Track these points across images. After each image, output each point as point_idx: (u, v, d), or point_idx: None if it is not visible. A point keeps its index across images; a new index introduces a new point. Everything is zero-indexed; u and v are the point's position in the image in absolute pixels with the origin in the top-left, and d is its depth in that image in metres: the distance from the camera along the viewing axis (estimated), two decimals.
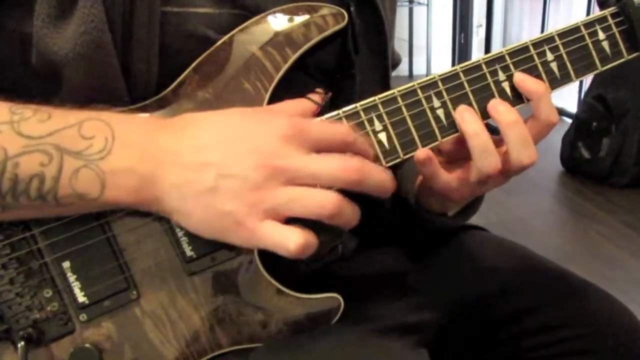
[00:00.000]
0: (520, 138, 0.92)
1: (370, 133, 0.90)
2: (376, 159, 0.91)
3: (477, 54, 7.36)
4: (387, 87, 0.97)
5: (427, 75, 0.92)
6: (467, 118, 0.92)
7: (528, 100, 0.95)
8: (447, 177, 0.96)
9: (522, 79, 0.94)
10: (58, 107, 0.81)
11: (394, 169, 0.92)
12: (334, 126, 0.87)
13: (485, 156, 0.91)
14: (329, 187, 0.81)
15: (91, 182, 0.79)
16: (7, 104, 0.80)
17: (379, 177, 0.84)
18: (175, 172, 0.80)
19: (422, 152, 0.93)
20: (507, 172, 0.95)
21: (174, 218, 0.83)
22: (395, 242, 1.23)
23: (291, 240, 0.79)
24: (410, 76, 7.48)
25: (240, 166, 0.79)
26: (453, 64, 1.07)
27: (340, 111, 0.90)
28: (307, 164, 0.80)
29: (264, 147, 0.80)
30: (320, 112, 0.91)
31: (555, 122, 0.95)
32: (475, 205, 1.12)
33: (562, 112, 5.57)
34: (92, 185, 0.79)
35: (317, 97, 0.92)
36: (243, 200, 0.79)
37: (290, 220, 0.81)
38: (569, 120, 4.81)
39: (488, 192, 1.03)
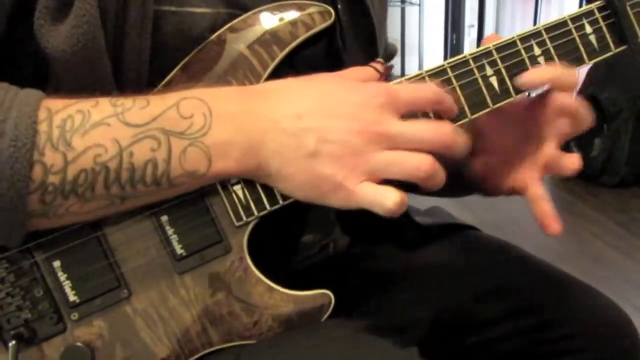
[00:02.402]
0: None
1: None
2: None
3: None
4: None
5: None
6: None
7: (516, 94, 0.95)
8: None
9: (530, 79, 0.95)
10: (151, 93, 0.83)
11: None
12: (421, 87, 0.90)
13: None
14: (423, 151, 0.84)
15: (199, 158, 0.81)
16: (106, 98, 0.81)
17: (463, 139, 0.87)
18: (276, 138, 0.82)
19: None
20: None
21: (274, 182, 0.85)
22: (387, 241, 1.24)
23: (390, 199, 0.82)
24: (403, 76, 7.45)
25: (340, 132, 0.82)
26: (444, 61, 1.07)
27: None
28: (405, 130, 0.84)
29: (362, 113, 0.83)
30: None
31: (578, 81, 0.98)
32: None
33: None
34: (200, 162, 0.81)
35: (379, 66, 0.94)
36: (344, 164, 0.82)
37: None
38: None
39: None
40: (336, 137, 0.82)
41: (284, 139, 0.82)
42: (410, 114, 0.87)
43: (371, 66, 0.93)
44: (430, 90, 0.89)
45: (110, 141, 0.78)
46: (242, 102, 0.84)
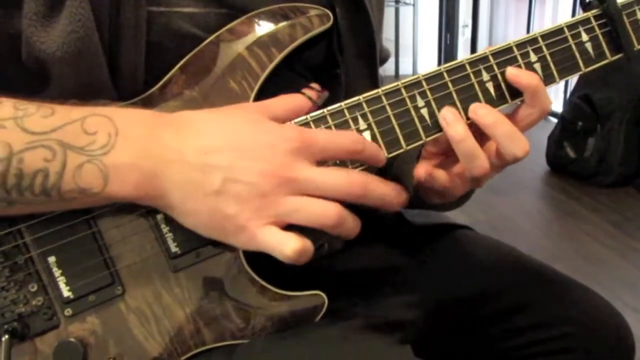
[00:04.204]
0: (507, 134, 0.92)
1: (355, 132, 0.91)
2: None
3: (463, 54, 7.33)
4: (376, 86, 0.98)
5: (413, 75, 0.93)
6: (451, 122, 0.93)
7: (512, 99, 0.96)
8: (445, 176, 0.97)
9: (516, 74, 0.94)
10: (62, 104, 0.82)
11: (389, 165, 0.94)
12: (341, 136, 0.88)
13: (472, 160, 0.92)
14: (332, 199, 0.83)
15: (94, 177, 0.79)
16: (12, 100, 0.80)
17: (382, 191, 0.87)
18: (180, 171, 0.81)
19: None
20: (503, 165, 0.96)
21: (174, 214, 0.84)
22: (382, 241, 1.24)
23: (289, 246, 0.81)
24: (397, 76, 7.49)
25: (249, 173, 0.81)
26: (439, 64, 1.08)
27: (324, 110, 0.90)
28: (314, 177, 0.83)
29: (273, 157, 0.81)
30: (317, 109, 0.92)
31: (550, 109, 0.97)
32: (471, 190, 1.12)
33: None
34: (95, 180, 0.80)
35: (312, 93, 0.92)
36: (248, 205, 0.80)
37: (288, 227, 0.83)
38: (555, 120, 4.82)
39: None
40: (243, 178, 0.81)
41: (189, 173, 0.81)
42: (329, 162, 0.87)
43: (303, 93, 0.92)
44: (350, 139, 0.87)
45: (2, 144, 0.77)
46: (151, 127, 0.83)
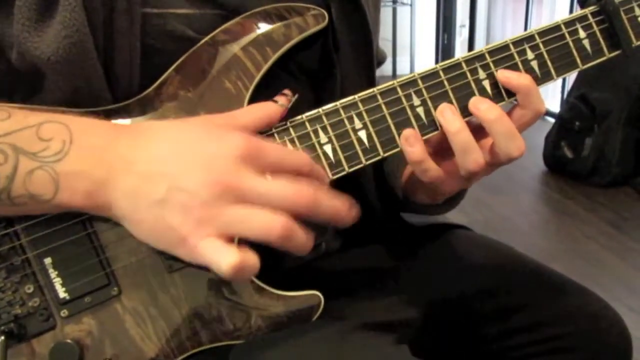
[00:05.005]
0: (506, 132, 0.92)
1: (350, 131, 0.91)
2: (354, 158, 0.92)
3: (461, 54, 7.34)
4: (372, 85, 0.98)
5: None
6: (448, 116, 0.93)
7: (509, 97, 0.95)
8: (437, 171, 0.97)
9: (507, 77, 0.95)
10: (20, 108, 0.82)
11: (379, 164, 0.93)
12: (291, 152, 0.87)
13: (467, 154, 0.92)
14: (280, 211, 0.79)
15: (45, 183, 0.79)
16: None
17: (332, 205, 0.83)
18: (128, 180, 0.79)
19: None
20: (496, 164, 0.96)
21: (126, 224, 0.83)
22: (379, 241, 1.24)
23: (224, 261, 0.76)
24: (394, 76, 7.49)
25: (191, 181, 0.78)
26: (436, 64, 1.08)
27: (320, 109, 0.90)
28: (258, 185, 0.79)
29: (218, 165, 0.79)
30: (287, 113, 0.91)
31: (543, 111, 0.96)
32: (462, 192, 1.12)
33: (545, 112, 5.57)
34: (46, 187, 0.79)
35: (283, 99, 0.91)
36: (190, 216, 0.77)
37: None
38: (552, 120, 4.82)
39: (473, 187, 1.03)
40: (187, 186, 0.78)
41: (136, 182, 0.79)
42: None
43: (274, 101, 0.90)
44: (300, 158, 0.85)
45: None
46: (107, 137, 0.82)
